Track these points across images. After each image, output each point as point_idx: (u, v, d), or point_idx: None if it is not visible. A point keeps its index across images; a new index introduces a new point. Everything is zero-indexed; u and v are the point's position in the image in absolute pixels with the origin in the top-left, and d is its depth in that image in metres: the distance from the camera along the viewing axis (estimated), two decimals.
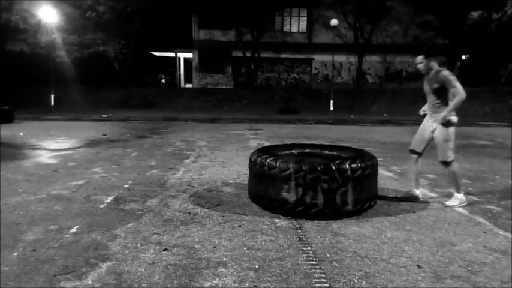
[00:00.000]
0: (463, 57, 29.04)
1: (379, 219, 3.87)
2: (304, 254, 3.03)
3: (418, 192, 4.54)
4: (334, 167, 3.72)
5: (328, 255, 3.01)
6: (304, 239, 3.35)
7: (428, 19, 27.03)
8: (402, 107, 23.23)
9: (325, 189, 3.72)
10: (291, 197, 3.79)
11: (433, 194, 4.87)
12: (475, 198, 4.69)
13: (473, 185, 5.41)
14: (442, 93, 4.16)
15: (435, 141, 4.29)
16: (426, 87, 4.34)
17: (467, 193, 4.91)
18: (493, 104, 22.65)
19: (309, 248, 3.15)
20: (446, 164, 4.24)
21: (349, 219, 3.85)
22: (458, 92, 4.00)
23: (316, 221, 3.76)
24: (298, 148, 4.92)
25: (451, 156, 4.20)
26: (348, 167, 3.75)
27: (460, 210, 4.21)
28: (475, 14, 26.28)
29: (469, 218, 3.97)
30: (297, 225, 3.67)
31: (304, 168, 3.72)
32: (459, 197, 4.30)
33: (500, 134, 12.41)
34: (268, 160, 3.92)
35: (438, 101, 4.23)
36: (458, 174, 4.29)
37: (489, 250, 3.15)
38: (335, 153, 4.66)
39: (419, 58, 4.24)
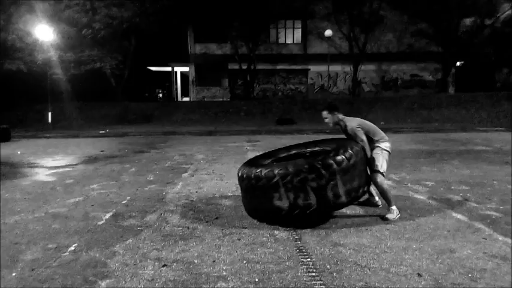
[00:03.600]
0: (458, 63, 29.28)
1: (379, 228, 3.86)
2: (304, 266, 3.02)
3: (377, 198, 4.57)
4: (318, 165, 3.68)
5: (328, 266, 3.00)
6: (303, 250, 3.34)
7: (422, 27, 27.33)
8: (399, 114, 23.31)
9: (314, 187, 3.68)
10: (283, 203, 3.76)
11: (431, 202, 4.87)
12: (474, 204, 4.69)
13: (472, 191, 5.42)
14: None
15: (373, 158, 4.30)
16: (345, 136, 4.50)
17: (465, 199, 4.93)
18: (489, 109, 22.73)
19: (308, 259, 3.14)
20: (376, 173, 4.17)
21: (348, 228, 3.85)
22: (364, 145, 4.16)
23: (315, 232, 3.76)
24: (283, 152, 4.84)
25: (383, 167, 4.19)
26: (331, 161, 3.70)
27: (459, 216, 4.21)
28: (467, 21, 26.57)
29: (469, 224, 3.96)
30: (296, 237, 3.66)
31: (289, 172, 3.69)
32: (393, 208, 4.22)
33: (497, 139, 12.45)
34: (253, 173, 3.88)
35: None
36: (387, 190, 4.22)
37: (489, 256, 3.15)
38: (318, 148, 4.61)
39: (324, 113, 4.42)
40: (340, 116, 4.40)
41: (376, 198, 4.59)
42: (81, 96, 25.58)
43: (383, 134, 4.37)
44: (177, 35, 29.77)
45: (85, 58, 23.76)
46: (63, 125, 22.40)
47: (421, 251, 3.27)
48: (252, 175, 3.88)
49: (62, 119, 23.29)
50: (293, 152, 4.82)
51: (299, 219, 3.81)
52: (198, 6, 25.55)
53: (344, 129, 4.39)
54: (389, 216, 4.14)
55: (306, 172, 3.67)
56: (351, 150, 3.87)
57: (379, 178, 4.15)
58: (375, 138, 4.29)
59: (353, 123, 4.28)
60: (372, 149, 4.27)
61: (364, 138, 4.19)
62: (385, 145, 4.31)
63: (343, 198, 3.79)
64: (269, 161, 4.57)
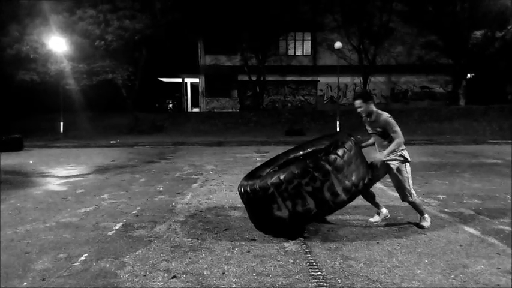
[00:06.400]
0: (468, 75, 29.09)
1: (390, 242, 3.82)
2: (314, 280, 2.99)
3: (384, 210, 4.51)
4: (309, 168, 3.59)
5: (339, 280, 2.97)
6: (314, 263, 3.31)
7: (432, 39, 27.28)
8: (409, 126, 23.15)
9: (310, 191, 3.60)
10: (283, 213, 3.70)
11: (443, 215, 4.81)
12: (487, 219, 4.62)
13: (484, 204, 5.34)
14: (387, 134, 4.20)
15: (392, 181, 4.29)
16: (370, 129, 4.38)
17: (478, 213, 4.86)
18: (501, 122, 22.50)
19: (319, 273, 3.11)
20: (407, 194, 4.18)
21: (359, 242, 3.81)
22: (398, 136, 4.12)
23: (326, 245, 3.72)
24: (282, 157, 4.78)
25: (411, 195, 4.17)
26: (323, 161, 3.62)
27: (472, 231, 4.15)
28: (478, 33, 26.46)
29: (482, 239, 3.90)
30: (307, 250, 3.63)
31: (282, 181, 3.61)
32: (426, 217, 4.29)
33: (509, 152, 12.28)
34: (250, 187, 3.84)
35: (385, 142, 4.24)
36: (420, 203, 4.29)
37: (503, 272, 3.09)
38: (314, 148, 4.56)
39: (358, 102, 4.25)
40: (374, 107, 4.27)
41: (384, 210, 4.50)
42: (92, 106, 25.89)
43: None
44: (188, 47, 30.06)
45: (97, 69, 24.07)
46: (75, 134, 22.63)
47: (433, 266, 3.22)
48: (249, 189, 3.83)
49: (74, 129, 23.54)
50: (291, 156, 4.75)
51: (303, 225, 3.75)
52: (209, 19, 25.85)
53: (373, 121, 4.23)
54: (424, 224, 4.23)
55: (299, 177, 3.59)
56: (343, 145, 3.76)
57: (412, 198, 4.17)
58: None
59: (385, 114, 4.18)
60: (393, 159, 4.18)
61: (397, 129, 4.11)
62: (406, 153, 4.26)
63: (343, 196, 3.68)
64: (268, 170, 4.51)
